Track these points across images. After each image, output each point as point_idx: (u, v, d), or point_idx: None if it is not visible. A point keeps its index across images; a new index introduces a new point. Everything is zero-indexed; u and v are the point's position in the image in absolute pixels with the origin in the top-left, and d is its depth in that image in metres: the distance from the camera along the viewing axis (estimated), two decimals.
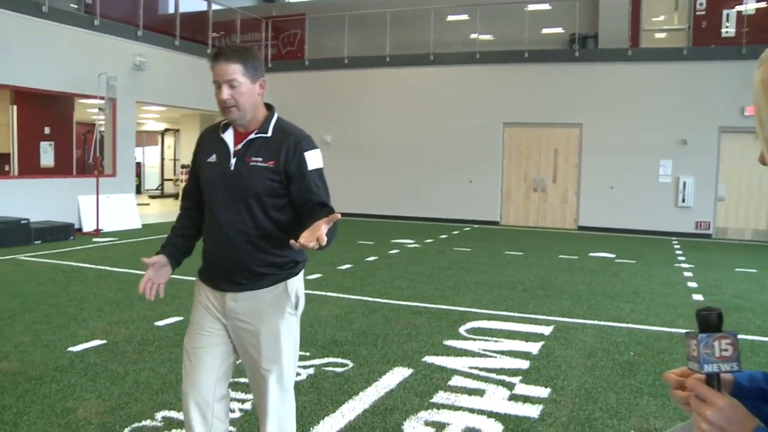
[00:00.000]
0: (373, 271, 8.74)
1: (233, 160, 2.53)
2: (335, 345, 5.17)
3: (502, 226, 15.69)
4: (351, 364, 4.69)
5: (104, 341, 5.17)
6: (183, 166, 21.08)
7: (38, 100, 13.22)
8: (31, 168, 13.23)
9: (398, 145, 16.64)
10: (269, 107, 2.64)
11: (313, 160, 2.55)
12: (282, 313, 2.56)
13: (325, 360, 4.78)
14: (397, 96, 16.71)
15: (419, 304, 6.72)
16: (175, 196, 22.33)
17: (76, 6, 14.03)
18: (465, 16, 17.27)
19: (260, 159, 2.50)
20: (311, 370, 4.53)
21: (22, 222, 10.98)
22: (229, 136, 2.58)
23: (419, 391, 4.17)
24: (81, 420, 3.61)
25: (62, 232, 11.57)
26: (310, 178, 2.53)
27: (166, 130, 24.95)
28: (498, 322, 6.06)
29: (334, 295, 7.10)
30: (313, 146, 2.57)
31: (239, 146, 2.55)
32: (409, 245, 11.46)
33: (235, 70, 2.46)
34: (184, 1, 16.06)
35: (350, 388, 4.18)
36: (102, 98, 12.65)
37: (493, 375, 4.52)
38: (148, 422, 3.59)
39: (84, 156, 16.14)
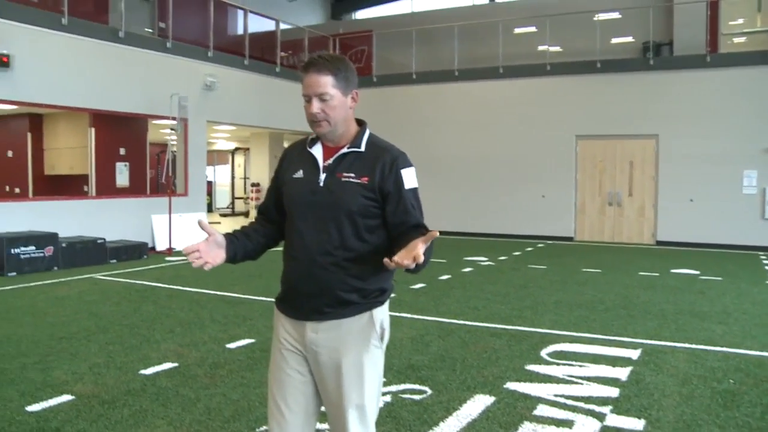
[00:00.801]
0: (447, 290, 8.49)
1: (323, 176, 2.34)
2: (412, 370, 4.95)
3: (577, 241, 15.21)
4: (429, 391, 4.45)
5: (176, 364, 5.08)
6: (253, 185, 21.32)
7: (114, 122, 13.50)
8: (107, 188, 13.49)
9: (468, 160, 16.38)
10: (360, 122, 2.46)
11: (410, 178, 2.36)
12: (367, 345, 2.34)
13: (402, 386, 4.56)
14: (467, 110, 16.47)
15: (497, 326, 6.45)
16: (246, 214, 22.57)
17: (150, 30, 14.32)
18: (533, 28, 16.94)
19: (353, 175, 2.31)
20: (388, 398, 4.31)
21: (99, 241, 11.17)
22: (317, 151, 2.39)
23: (503, 422, 3.91)
24: None
25: (136, 251, 11.73)
26: (407, 197, 2.33)
27: (237, 149, 25.30)
28: (581, 344, 5.74)
29: (409, 316, 6.88)
30: (409, 164, 2.38)
31: (330, 161, 2.36)
32: (482, 263, 11.17)
33: (327, 83, 2.29)
34: (254, 22, 16.25)
35: (429, 418, 3.96)
36: (174, 119, 12.83)
37: (581, 404, 4.22)
38: None
39: (157, 176, 16.43)
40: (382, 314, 2.39)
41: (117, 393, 4.40)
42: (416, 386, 4.57)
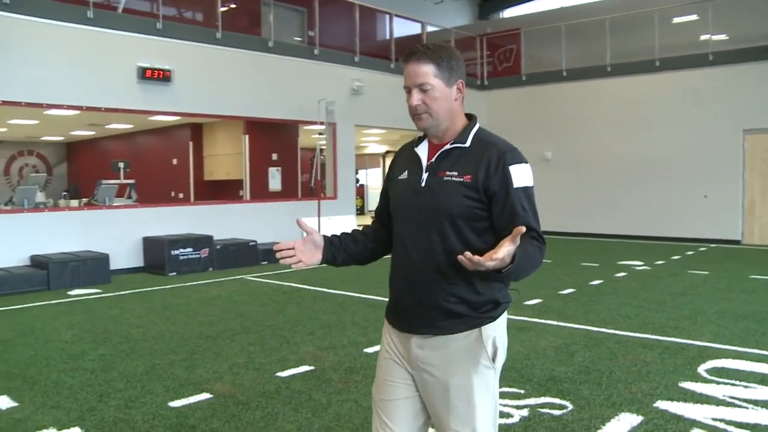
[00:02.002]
0: (597, 296, 8.04)
1: (425, 175, 2.16)
2: (553, 382, 4.66)
3: (745, 245, 14.00)
4: (570, 407, 4.15)
5: (312, 367, 5.09)
6: None
7: (266, 128, 14.03)
8: (260, 193, 14.03)
9: (623, 158, 15.55)
10: (470, 117, 2.24)
11: (520, 176, 2.09)
12: (476, 365, 2.11)
13: (542, 400, 4.29)
14: (621, 107, 15.64)
15: (650, 336, 5.98)
16: None
17: (299, 39, 14.75)
18: (694, 17, 15.81)
19: (455, 173, 2.10)
20: (525, 411, 4.07)
21: (251, 244, 11.60)
22: (422, 149, 2.22)
23: None
24: None
25: None
26: (516, 197, 2.06)
27: (387, 152, 25.59)
28: (746, 361, 5.17)
29: (555, 323, 6.56)
30: (520, 160, 2.11)
31: (433, 159, 2.17)
32: (637, 267, 10.52)
33: (427, 72, 2.10)
34: (399, 26, 16.32)
35: None
36: (322, 123, 13.12)
37: (743, 431, 3.77)
38: None
39: (310, 179, 16.89)
40: (494, 331, 2.14)
41: (252, 394, 4.45)
42: (557, 400, 4.28)
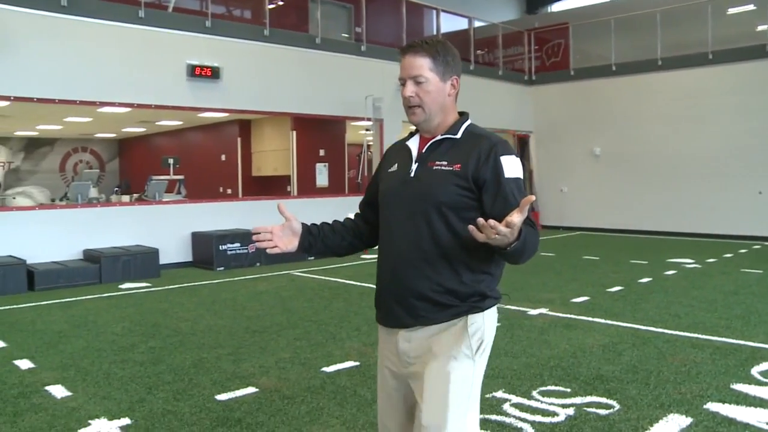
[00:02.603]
0: (646, 294, 7.89)
1: (414, 166, 2.20)
2: (600, 381, 4.59)
3: None
4: (617, 406, 4.09)
5: (357, 363, 5.11)
6: None
7: (313, 124, 14.12)
8: (307, 188, 14.14)
9: (674, 154, 15.22)
10: (462, 114, 2.26)
11: (511, 167, 2.10)
12: (456, 353, 2.07)
13: (588, 399, 4.23)
14: (672, 101, 15.30)
15: (700, 336, 5.85)
16: None
17: (347, 35, 14.80)
18: (750, 6, 15.37)
19: (445, 162, 2.13)
20: (571, 410, 4.02)
21: None
22: (413, 143, 2.26)
23: None
24: None
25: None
26: (507, 187, 2.08)
27: None
28: None
29: (602, 321, 6.46)
30: (511, 152, 2.14)
31: (423, 150, 2.20)
32: (687, 265, 10.29)
33: (422, 65, 2.13)
34: (447, 21, 16.25)
35: None
36: (369, 119, 13.15)
37: None
38: None
39: (357, 175, 16.95)
40: (480, 322, 2.12)
41: (297, 389, 4.50)
42: (603, 399, 4.22)
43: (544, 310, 6.98)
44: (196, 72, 10.96)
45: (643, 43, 15.86)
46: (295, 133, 14.25)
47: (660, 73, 15.45)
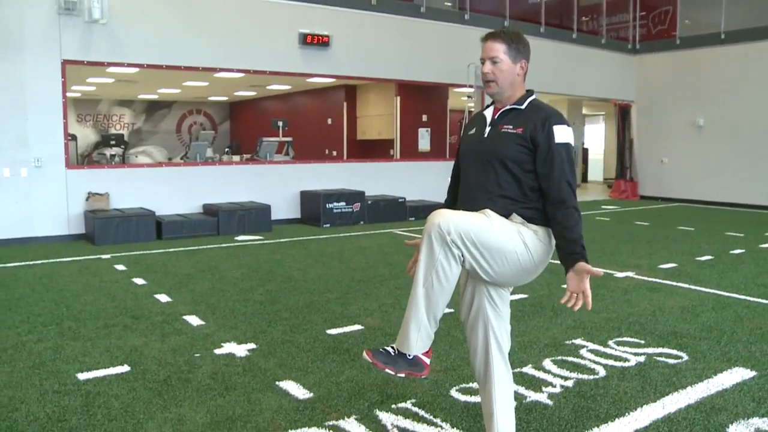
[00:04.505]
0: (735, 264, 8.06)
1: (488, 129, 2.78)
2: (674, 336, 4.98)
3: None
4: (686, 357, 4.49)
5: (452, 310, 5.63)
6: None
7: (417, 90, 14.62)
8: (410, 152, 14.70)
9: None
10: (529, 91, 2.81)
11: (562, 134, 2.64)
12: (511, 224, 2.64)
13: (660, 350, 4.64)
14: None
15: None
16: None
17: (450, 4, 15.13)
18: None
19: (511, 127, 2.70)
20: (642, 358, 4.46)
21: (399, 200, 12.32)
22: (489, 111, 2.84)
23: (758, 396, 3.82)
24: None
25: (433, 211, 12.70)
26: (556, 150, 2.62)
27: None
28: None
29: (685, 286, 6.76)
30: (564, 122, 2.68)
31: (495, 117, 2.78)
32: None
33: (499, 49, 2.71)
34: None
35: (678, 382, 4.03)
36: (471, 86, 13.53)
37: None
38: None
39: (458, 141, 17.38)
40: (522, 222, 2.65)
41: (398, 328, 5.05)
42: (674, 351, 4.62)
43: (630, 274, 7.32)
44: (307, 40, 11.64)
45: (757, 8, 15.40)
46: (399, 98, 14.81)
47: None
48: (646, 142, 17.51)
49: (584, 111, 22.56)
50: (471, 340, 2.86)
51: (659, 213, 14.10)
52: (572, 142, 2.69)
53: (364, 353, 2.70)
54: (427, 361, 2.67)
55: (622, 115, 17.76)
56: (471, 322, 2.84)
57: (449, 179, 3.11)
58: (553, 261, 2.78)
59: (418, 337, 2.60)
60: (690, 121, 16.21)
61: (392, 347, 2.66)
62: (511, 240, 2.59)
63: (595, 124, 24.80)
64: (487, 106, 2.89)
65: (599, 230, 11.20)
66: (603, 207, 15.22)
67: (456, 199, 3.00)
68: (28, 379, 4.07)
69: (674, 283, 6.85)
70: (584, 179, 23.05)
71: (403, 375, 2.66)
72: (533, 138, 2.64)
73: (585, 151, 23.38)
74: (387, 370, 2.63)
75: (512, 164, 2.66)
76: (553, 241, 2.68)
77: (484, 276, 2.60)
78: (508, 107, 2.77)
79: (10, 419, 3.48)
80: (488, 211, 2.64)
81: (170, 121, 23.03)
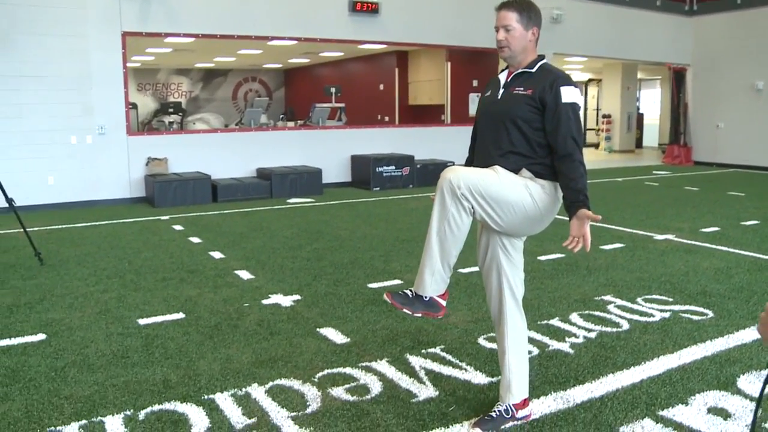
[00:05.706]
0: None
1: (501, 91, 3.01)
2: (703, 295, 5.11)
3: None
4: (711, 314, 4.64)
5: None
6: (604, 116, 21.29)
7: (467, 56, 14.69)
8: (460, 117, 14.82)
9: None
10: (540, 56, 3.00)
11: (569, 94, 2.83)
12: (519, 177, 2.86)
13: (686, 307, 4.80)
14: None
15: None
16: (596, 146, 22.55)
17: None
18: None
19: (521, 88, 2.91)
20: (667, 314, 4.63)
21: (448, 164, 12.32)
22: (503, 75, 3.06)
23: None
24: (450, 325, 4.40)
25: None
26: (563, 109, 2.82)
27: (590, 80, 25.22)
28: None
29: (724, 249, 6.82)
30: (571, 83, 2.86)
31: (508, 80, 3.00)
32: None
33: (512, 18, 2.91)
34: None
35: (698, 336, 4.19)
36: None
37: None
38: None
39: None
40: (530, 177, 2.87)
41: None
42: (700, 309, 4.77)
43: (670, 236, 7.41)
44: (357, 7, 11.85)
45: None
46: (449, 64, 14.90)
47: None
48: (701, 107, 17.21)
49: (640, 75, 22.18)
50: (486, 285, 3.10)
51: (711, 178, 13.94)
52: (579, 102, 2.89)
53: (385, 295, 2.98)
54: (443, 303, 2.92)
55: (677, 79, 17.47)
56: (486, 268, 3.08)
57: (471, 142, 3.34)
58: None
59: (432, 281, 2.85)
60: (748, 85, 15.86)
61: (410, 290, 2.92)
62: (518, 192, 2.82)
63: (651, 89, 24.38)
64: (503, 71, 3.10)
65: (646, 194, 11.21)
66: (654, 172, 15.11)
67: (474, 158, 3.23)
68: (96, 323, 4.51)
69: (713, 246, 6.93)
70: (639, 145, 22.75)
71: (420, 314, 2.92)
72: (542, 98, 2.84)
73: (640, 117, 23.05)
74: (405, 310, 2.90)
75: (522, 123, 2.87)
76: (560, 194, 2.90)
77: (494, 226, 2.84)
78: (519, 71, 2.97)
79: (83, 354, 3.93)
80: (497, 167, 2.87)
81: (226, 88, 23.54)
